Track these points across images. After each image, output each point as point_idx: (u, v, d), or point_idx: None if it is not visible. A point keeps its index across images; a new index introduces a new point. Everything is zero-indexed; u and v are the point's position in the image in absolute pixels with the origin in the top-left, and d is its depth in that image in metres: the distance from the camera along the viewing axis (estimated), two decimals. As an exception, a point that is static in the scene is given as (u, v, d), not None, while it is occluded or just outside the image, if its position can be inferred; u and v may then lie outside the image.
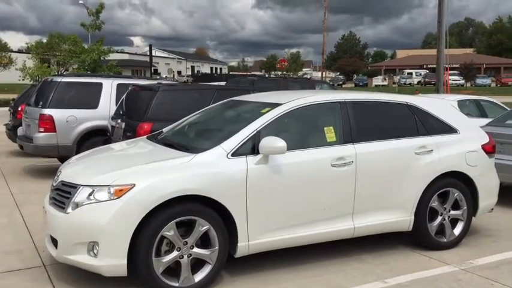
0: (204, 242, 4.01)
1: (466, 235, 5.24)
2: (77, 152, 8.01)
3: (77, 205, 3.82)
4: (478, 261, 4.76)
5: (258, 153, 4.18)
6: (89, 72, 19.48)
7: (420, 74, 64.59)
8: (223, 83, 15.02)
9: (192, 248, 3.94)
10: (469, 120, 5.75)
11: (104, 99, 8.80)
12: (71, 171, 4.30)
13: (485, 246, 5.23)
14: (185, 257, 3.91)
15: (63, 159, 9.14)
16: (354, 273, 4.43)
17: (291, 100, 4.64)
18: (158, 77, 43.61)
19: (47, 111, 8.39)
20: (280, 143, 4.08)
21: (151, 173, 3.89)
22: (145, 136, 5.48)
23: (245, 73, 63.94)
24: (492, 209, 5.52)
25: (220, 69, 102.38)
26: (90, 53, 20.35)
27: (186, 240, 3.90)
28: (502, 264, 4.70)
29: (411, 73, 66.57)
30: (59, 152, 8.53)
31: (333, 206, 4.51)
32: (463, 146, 5.16)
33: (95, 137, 8.46)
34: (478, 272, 4.47)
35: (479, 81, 60.93)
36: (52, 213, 4.03)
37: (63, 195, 4.01)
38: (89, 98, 8.71)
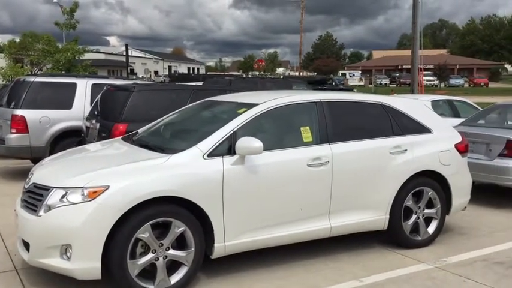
0: (180, 243, 3.97)
1: (440, 233, 5.32)
2: (51, 154, 7.85)
3: (49, 208, 3.74)
4: (451, 258, 4.84)
5: (234, 153, 4.16)
6: (63, 72, 19.14)
7: (353, 75, 65.54)
8: (200, 83, 14.94)
9: (168, 250, 3.90)
10: (442, 120, 5.84)
11: (78, 100, 8.65)
12: (43, 173, 4.21)
13: (459, 244, 5.32)
14: (161, 259, 3.87)
15: (36, 160, 8.97)
16: (330, 272, 4.46)
17: (268, 100, 4.64)
18: (135, 77, 43.18)
19: (19, 112, 8.21)
20: (257, 143, 4.08)
21: (126, 174, 3.84)
22: (121, 137, 5.40)
23: (222, 73, 63.80)
24: (465, 207, 5.63)
25: (198, 69, 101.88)
26: (65, 53, 20.01)
27: (161, 242, 3.86)
28: (475, 261, 4.79)
29: (345, 74, 68.16)
30: (31, 153, 8.36)
31: (310, 205, 4.53)
32: (437, 146, 5.24)
33: (68, 138, 8.32)
34: (451, 270, 4.55)
35: (452, 81, 62.19)
36: (24, 216, 3.94)
37: (35, 198, 3.92)
38: (62, 98, 8.55)
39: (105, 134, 6.69)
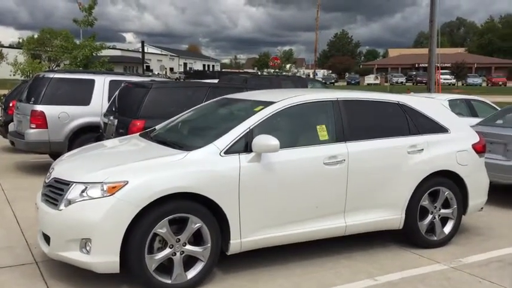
0: (197, 239, 4.02)
1: (456, 233, 5.30)
2: (69, 149, 8.00)
3: (69, 202, 3.82)
4: (467, 259, 4.82)
5: (251, 151, 4.19)
6: (80, 68, 19.36)
7: (316, 74, 63.37)
8: (215, 81, 15.00)
9: (185, 245, 3.95)
10: (459, 119, 5.80)
11: (96, 96, 8.77)
12: (63, 168, 4.29)
13: (475, 244, 5.29)
14: (178, 254, 3.92)
15: (54, 155, 9.12)
16: (345, 271, 4.47)
17: (284, 98, 4.66)
18: (151, 74, 43.42)
19: (38, 107, 8.35)
20: (273, 141, 4.10)
21: (145, 170, 3.90)
22: (138, 133, 5.48)
23: (237, 70, 63.86)
24: (482, 207, 5.59)
25: (213, 66, 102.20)
26: (82, 49, 20.21)
27: (178, 237, 3.92)
28: (491, 262, 4.76)
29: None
30: (50, 148, 8.51)
31: (325, 204, 4.54)
32: (454, 145, 5.22)
33: (87, 134, 8.44)
34: (467, 270, 4.53)
35: (470, 80, 61.46)
36: (44, 210, 4.02)
37: (55, 192, 4.01)
38: (81, 94, 8.67)
39: (122, 130, 6.78)
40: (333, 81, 66.58)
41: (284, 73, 48.56)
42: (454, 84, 57.43)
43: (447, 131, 5.29)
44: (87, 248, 3.74)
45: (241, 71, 62.54)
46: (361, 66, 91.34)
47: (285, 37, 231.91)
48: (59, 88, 8.61)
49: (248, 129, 4.28)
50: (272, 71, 50.92)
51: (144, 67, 38.74)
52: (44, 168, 8.98)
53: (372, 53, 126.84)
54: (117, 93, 7.86)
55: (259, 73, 48.08)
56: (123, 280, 4.03)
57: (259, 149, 4.16)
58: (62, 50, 21.69)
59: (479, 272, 4.50)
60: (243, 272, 4.35)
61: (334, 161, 4.54)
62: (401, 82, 64.23)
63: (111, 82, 8.90)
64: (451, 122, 5.41)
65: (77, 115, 8.54)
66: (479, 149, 5.42)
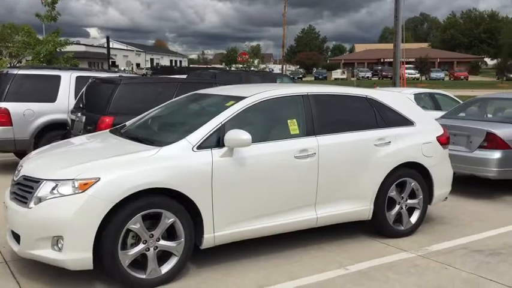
0: (170, 234, 4.04)
1: (422, 223, 5.48)
2: (35, 147, 7.83)
3: (39, 200, 3.77)
4: (433, 247, 4.99)
5: (223, 146, 4.23)
6: (44, 64, 18.87)
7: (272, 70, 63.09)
8: (184, 76, 14.91)
9: (158, 241, 3.96)
10: (424, 112, 5.99)
11: (62, 92, 8.60)
12: (33, 165, 4.22)
13: (440, 233, 5.49)
14: (151, 249, 3.93)
15: (19, 154, 8.91)
16: (316, 261, 4.57)
17: (255, 93, 4.71)
18: (116, 70, 42.68)
19: (2, 105, 8.12)
20: (245, 135, 4.15)
21: (117, 166, 3.88)
22: (108, 130, 5.42)
23: (206, 66, 63.49)
24: (446, 197, 5.79)
25: (180, 61, 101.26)
26: (46, 45, 19.72)
27: (152, 232, 3.92)
28: (455, 249, 4.95)
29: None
30: (15, 146, 8.30)
31: (297, 197, 4.63)
32: (419, 138, 5.39)
33: (53, 131, 8.28)
34: (433, 258, 4.71)
35: (433, 75, 63.06)
36: (14, 208, 3.95)
37: (25, 190, 3.94)
38: (46, 91, 8.49)
39: (91, 127, 6.68)
40: (300, 76, 67.07)
41: (252, 68, 48.62)
42: (418, 79, 58.79)
43: (413, 124, 5.46)
44: (59, 246, 3.71)
45: (209, 66, 62.22)
46: (328, 62, 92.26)
47: (252, 32, 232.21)
48: (23, 85, 8.39)
49: (220, 124, 4.31)
50: (240, 66, 50.88)
51: (110, 63, 38.07)
52: (9, 167, 8.77)
53: (338, 48, 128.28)
54: (84, 89, 7.74)
55: (227, 68, 47.96)
56: (97, 277, 4.01)
57: (231, 144, 4.20)
58: (24, 45, 21.10)
59: (444, 259, 4.68)
60: (217, 266, 4.39)
61: (305, 155, 4.62)
62: (368, 77, 65.33)
63: (78, 78, 8.75)
64: (417, 115, 5.59)
65: (43, 112, 8.36)
66: (444, 141, 5.62)
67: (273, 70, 53.43)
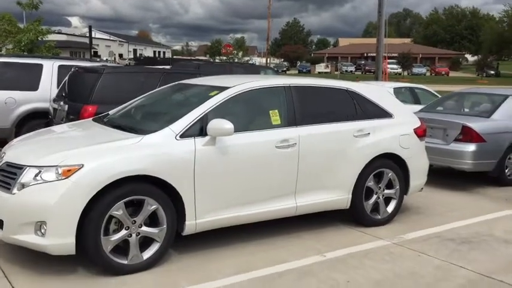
0: (153, 220, 4.12)
1: (398, 212, 5.65)
2: (16, 135, 7.79)
3: (23, 186, 3.81)
4: (408, 235, 5.17)
5: (206, 135, 4.31)
6: (25, 53, 18.63)
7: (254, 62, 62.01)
8: (168, 67, 14.88)
9: (141, 227, 4.04)
10: (403, 105, 6.15)
11: (44, 81, 8.56)
12: (16, 152, 4.25)
13: (415, 222, 5.67)
14: (134, 235, 4.01)
15: (0, 142, 8.85)
16: (295, 248, 4.70)
17: (239, 84, 4.80)
18: (98, 60, 42.19)
19: (-17, 93, 8.06)
20: (228, 125, 4.24)
21: (100, 153, 3.94)
22: (91, 118, 5.45)
23: (190, 58, 63.10)
24: (422, 188, 5.97)
25: (164, 53, 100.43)
26: (27, 33, 19.44)
27: (134, 219, 4.00)
28: (430, 238, 5.13)
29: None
30: (-4, 134, 8.25)
31: (277, 185, 4.74)
32: (397, 130, 5.54)
33: (35, 120, 8.24)
34: (407, 245, 4.87)
35: (415, 70, 63.89)
36: (-4, 193, 3.99)
37: (8, 176, 3.98)
38: (28, 79, 8.44)
39: (73, 116, 6.69)
40: (284, 69, 67.18)
41: (236, 60, 48.53)
42: (400, 74, 59.39)
43: (391, 116, 5.60)
44: (42, 231, 3.76)
45: (194, 58, 61.83)
46: (312, 55, 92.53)
47: (237, 24, 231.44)
48: (4, 73, 8.35)
49: (203, 114, 4.39)
50: (224, 58, 50.76)
51: (92, 53, 37.59)
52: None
53: (322, 42, 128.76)
54: (67, 78, 7.72)
55: (211, 60, 47.81)
56: (79, 262, 4.08)
57: (214, 133, 4.28)
58: (5, 33, 20.77)
59: (418, 247, 4.85)
60: (198, 252, 4.49)
61: (286, 145, 4.73)
62: (351, 71, 65.83)
63: (60, 67, 8.71)
64: (395, 108, 5.74)
65: (25, 101, 8.32)
66: (420, 133, 5.78)
67: (254, 63, 53.45)
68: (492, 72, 61.62)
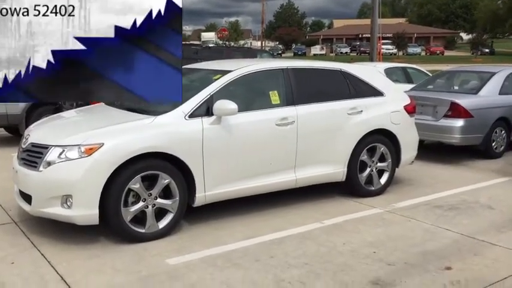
0: (166, 193, 4.53)
1: (390, 184, 6.09)
2: (27, 121, 8.16)
3: (49, 164, 4.21)
4: (399, 204, 5.61)
5: (212, 114, 4.72)
6: None
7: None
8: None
9: (156, 199, 4.46)
10: (393, 84, 6.55)
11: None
12: (40, 134, 4.65)
13: (406, 192, 6.11)
14: (150, 207, 4.43)
15: (11, 128, 9.23)
16: (295, 217, 5.13)
17: (240, 67, 5.19)
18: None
19: (-7, 80, 8.37)
20: (232, 105, 4.64)
21: (118, 133, 4.35)
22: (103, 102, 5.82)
23: (186, 42, 62.99)
24: (412, 161, 6.41)
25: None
26: None
27: (150, 192, 4.41)
28: (419, 206, 5.58)
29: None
30: (8, 120, 8.60)
31: (278, 160, 5.16)
32: (388, 107, 5.95)
33: (45, 105, 8.57)
34: (399, 212, 5.32)
35: (410, 50, 64.03)
36: (24, 172, 4.40)
37: (34, 156, 4.38)
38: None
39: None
40: (280, 52, 67.23)
41: (233, 44, 48.67)
42: (395, 54, 59.61)
43: (382, 95, 6.01)
44: (68, 204, 4.17)
45: (188, 42, 61.75)
46: (307, 37, 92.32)
47: (231, 8, 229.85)
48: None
49: (209, 95, 4.79)
50: (220, 42, 50.83)
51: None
52: (1, 141, 9.11)
53: (317, 24, 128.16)
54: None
55: (209, 45, 47.88)
56: (100, 232, 4.50)
57: (219, 113, 4.69)
58: None
59: (409, 214, 5.30)
60: (208, 222, 4.92)
61: (285, 122, 5.14)
62: (346, 52, 65.89)
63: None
64: (386, 87, 6.14)
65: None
66: (410, 110, 6.20)
67: (250, 46, 53.65)
68: (487, 50, 61.97)
